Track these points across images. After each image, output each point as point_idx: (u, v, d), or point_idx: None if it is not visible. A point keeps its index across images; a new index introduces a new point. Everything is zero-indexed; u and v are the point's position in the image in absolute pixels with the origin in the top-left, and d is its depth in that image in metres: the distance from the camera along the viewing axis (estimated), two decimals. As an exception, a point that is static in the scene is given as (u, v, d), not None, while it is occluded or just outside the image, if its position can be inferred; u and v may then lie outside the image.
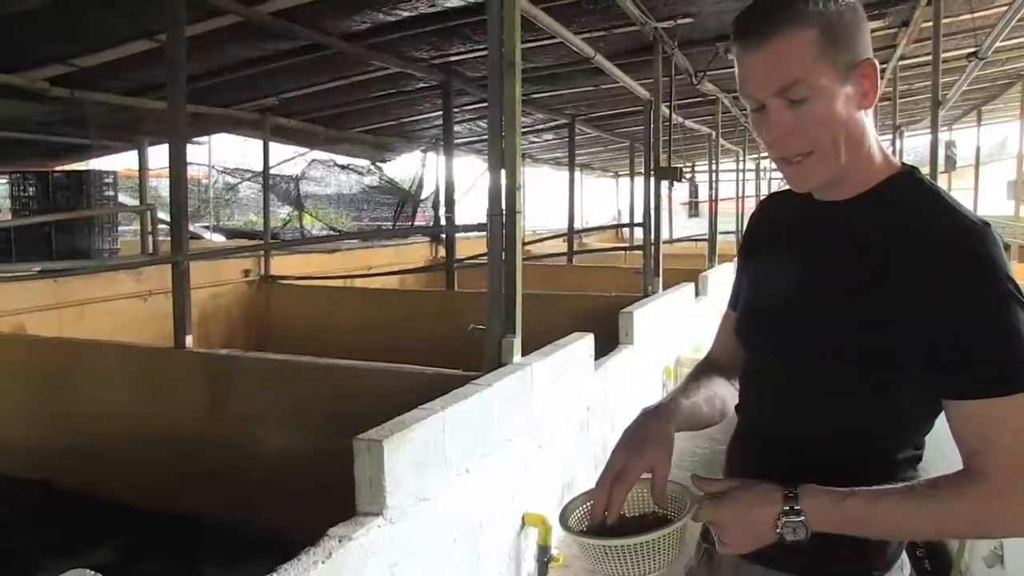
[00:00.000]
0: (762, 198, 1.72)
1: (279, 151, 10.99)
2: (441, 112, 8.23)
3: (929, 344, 1.26)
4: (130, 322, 6.89)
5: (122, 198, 10.22)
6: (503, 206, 3.66)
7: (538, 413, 3.79)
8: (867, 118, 1.35)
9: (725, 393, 1.63)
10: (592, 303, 7.02)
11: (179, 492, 4.38)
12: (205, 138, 11.93)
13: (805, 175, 1.36)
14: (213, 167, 13.97)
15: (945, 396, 1.29)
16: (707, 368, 1.68)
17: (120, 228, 9.51)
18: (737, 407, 1.61)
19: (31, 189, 8.69)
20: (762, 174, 19.03)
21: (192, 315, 4.71)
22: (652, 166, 7.19)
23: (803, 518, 1.28)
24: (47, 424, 4.98)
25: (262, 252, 8.59)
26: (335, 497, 2.52)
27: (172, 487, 4.39)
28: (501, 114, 3.65)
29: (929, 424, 1.40)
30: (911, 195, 1.35)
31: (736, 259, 1.72)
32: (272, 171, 9.72)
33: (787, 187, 1.46)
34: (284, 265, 8.84)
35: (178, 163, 4.51)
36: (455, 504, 2.98)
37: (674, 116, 8.05)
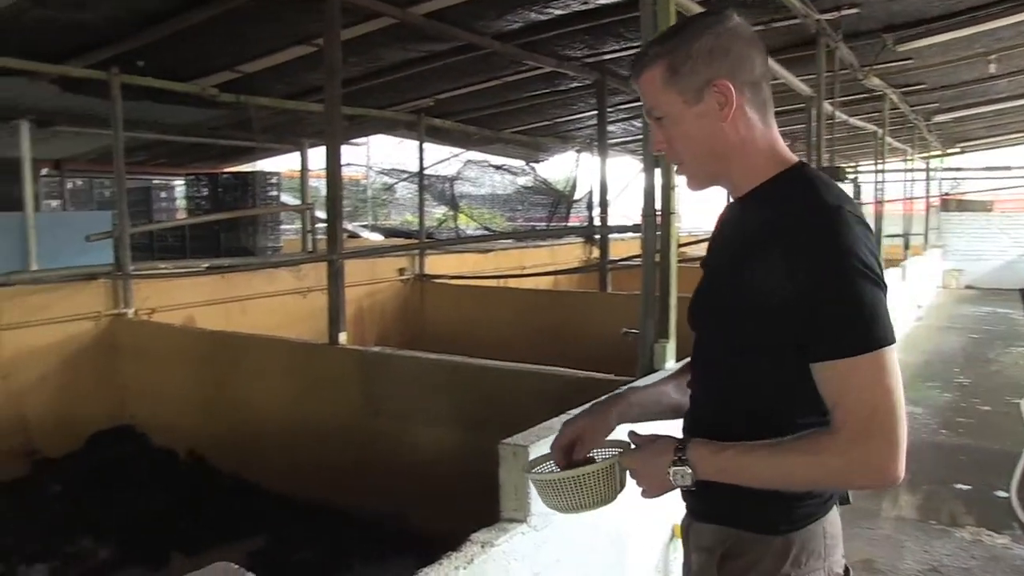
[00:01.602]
0: None
1: (435, 152, 11.17)
2: (595, 112, 8.14)
3: (790, 316, 1.43)
4: (290, 317, 7.10)
5: (285, 198, 10.63)
6: (658, 206, 3.53)
7: (690, 420, 3.65)
8: (747, 128, 1.54)
9: None
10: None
11: (330, 485, 4.47)
12: (363, 139, 12.22)
13: (687, 179, 1.65)
14: (371, 168, 14.31)
15: (807, 360, 1.44)
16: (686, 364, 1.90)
17: (283, 227, 9.89)
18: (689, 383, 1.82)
19: (204, 190, 9.16)
20: (931, 174, 17.99)
21: (348, 312, 4.79)
22: (814, 166, 6.89)
23: (687, 467, 1.49)
24: (212, 413, 5.21)
25: (416, 251, 8.71)
26: (482, 496, 2.49)
27: (323, 480, 4.48)
28: (654, 111, 3.52)
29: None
30: (786, 186, 1.54)
31: None
32: (427, 171, 9.85)
33: None
34: (439, 264, 8.93)
35: (333, 164, 4.60)
36: (602, 513, 2.89)
37: (837, 113, 7.68)
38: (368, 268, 7.98)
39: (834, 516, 1.61)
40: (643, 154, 3.61)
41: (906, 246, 12.55)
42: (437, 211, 12.46)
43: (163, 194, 11.07)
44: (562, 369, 3.93)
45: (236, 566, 1.60)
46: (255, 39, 5.92)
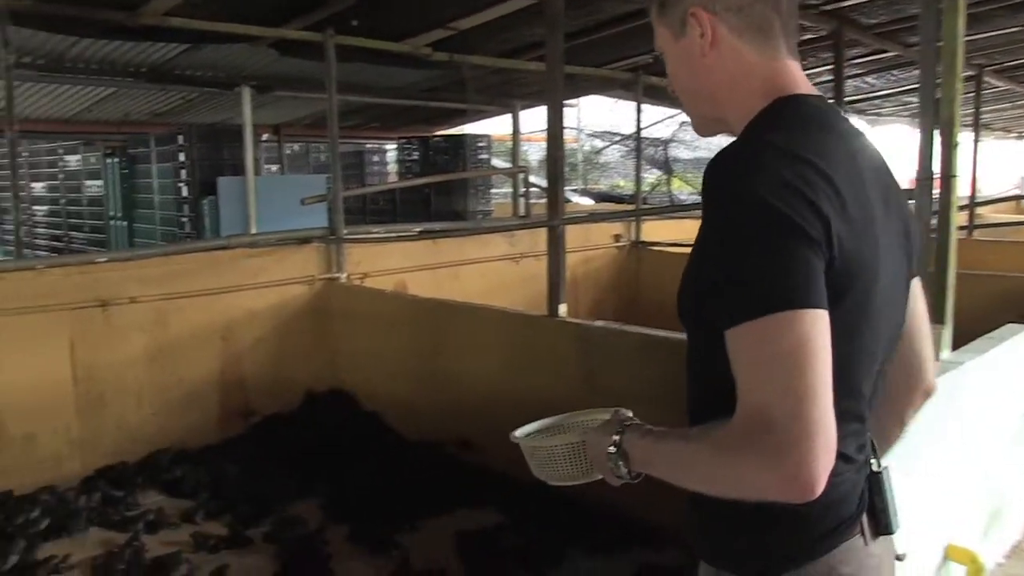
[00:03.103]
0: None
1: (648, 114, 10.75)
2: (828, 67, 7.45)
3: (704, 279, 1.20)
4: (502, 284, 6.95)
5: (494, 161, 10.54)
6: (934, 168, 3.02)
7: (968, 422, 3.12)
8: (735, 61, 1.31)
9: None
10: (1012, 285, 6.01)
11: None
12: (574, 101, 11.97)
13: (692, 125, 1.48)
14: (581, 130, 14.03)
15: None
16: None
17: (492, 191, 9.81)
18: None
19: (414, 154, 9.19)
20: None
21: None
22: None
23: (619, 450, 1.31)
24: (422, 380, 5.09)
25: (633, 217, 8.40)
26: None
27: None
28: (936, 58, 3.00)
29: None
30: (748, 128, 1.28)
31: None
32: (642, 134, 9.46)
33: None
34: (653, 231, 8.60)
35: (556, 124, 4.28)
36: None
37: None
38: (583, 234, 7.71)
39: (851, 553, 1.25)
40: (921, 107, 3.07)
41: None
42: (649, 175, 12.07)
43: (375, 158, 11.27)
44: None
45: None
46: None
